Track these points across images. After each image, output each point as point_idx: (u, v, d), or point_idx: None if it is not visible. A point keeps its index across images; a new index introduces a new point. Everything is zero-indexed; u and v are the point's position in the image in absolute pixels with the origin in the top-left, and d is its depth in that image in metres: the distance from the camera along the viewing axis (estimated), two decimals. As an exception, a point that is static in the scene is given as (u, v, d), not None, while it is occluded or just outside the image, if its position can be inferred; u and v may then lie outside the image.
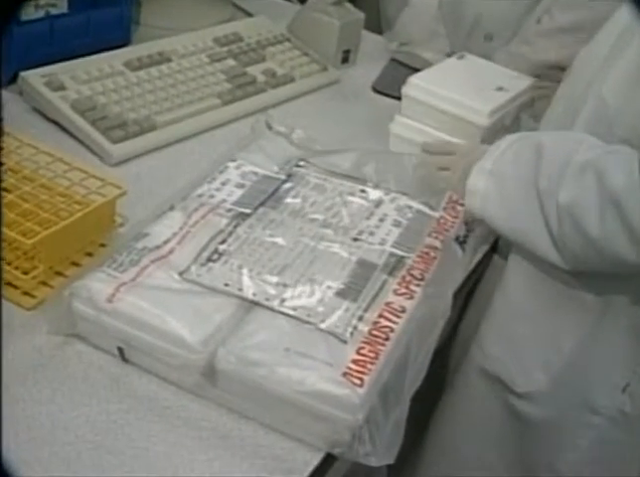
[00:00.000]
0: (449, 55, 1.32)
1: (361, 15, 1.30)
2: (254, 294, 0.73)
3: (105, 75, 1.05)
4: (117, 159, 0.96)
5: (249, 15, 1.38)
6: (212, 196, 0.85)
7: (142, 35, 1.20)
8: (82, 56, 1.09)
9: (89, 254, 0.81)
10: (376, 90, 1.27)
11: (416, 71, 1.21)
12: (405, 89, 1.09)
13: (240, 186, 0.87)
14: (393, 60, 1.36)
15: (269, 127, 1.00)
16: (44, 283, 0.77)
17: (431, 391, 1.11)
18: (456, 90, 1.08)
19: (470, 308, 1.09)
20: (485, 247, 0.96)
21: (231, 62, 1.17)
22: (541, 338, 0.94)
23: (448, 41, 1.47)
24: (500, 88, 1.10)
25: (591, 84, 0.89)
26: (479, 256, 0.94)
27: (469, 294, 1.05)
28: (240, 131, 1.04)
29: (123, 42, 1.16)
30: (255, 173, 0.90)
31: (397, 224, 0.86)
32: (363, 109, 1.20)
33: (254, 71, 1.17)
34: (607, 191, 0.76)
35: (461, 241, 0.88)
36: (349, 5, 1.29)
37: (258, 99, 1.13)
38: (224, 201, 0.84)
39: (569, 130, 0.90)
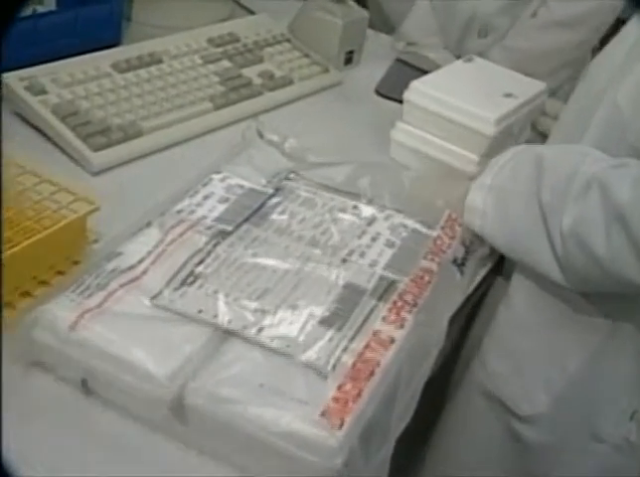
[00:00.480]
0: (458, 56, 1.27)
1: (365, 14, 1.24)
2: (230, 321, 0.68)
3: (90, 77, 1.00)
4: (98, 168, 0.90)
5: (251, 12, 1.33)
6: (192, 211, 0.80)
7: (134, 34, 1.15)
8: (70, 56, 1.03)
9: (61, 273, 0.76)
10: (379, 93, 1.21)
11: (423, 72, 1.16)
12: (407, 95, 1.03)
13: (224, 200, 0.82)
14: (398, 60, 1.30)
15: (261, 135, 0.94)
16: (9, 305, 0.72)
17: (432, 403, 1.07)
18: (461, 96, 1.01)
19: (474, 324, 1.03)
20: (485, 270, 0.89)
21: (225, 63, 1.11)
22: (544, 356, 0.90)
23: (443, 38, 1.42)
24: (509, 95, 1.04)
25: (606, 91, 0.84)
26: (479, 279, 0.88)
27: (473, 310, 0.99)
28: (232, 138, 0.98)
29: (113, 41, 1.11)
30: (241, 186, 0.84)
31: (390, 244, 0.80)
32: (365, 113, 1.14)
33: (251, 72, 1.11)
34: (612, 207, 0.71)
35: (460, 264, 0.83)
36: (352, 3, 1.22)
37: (254, 103, 1.07)
38: (204, 217, 0.79)
39: (582, 136, 0.85)
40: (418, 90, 1.02)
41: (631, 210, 0.70)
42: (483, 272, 0.88)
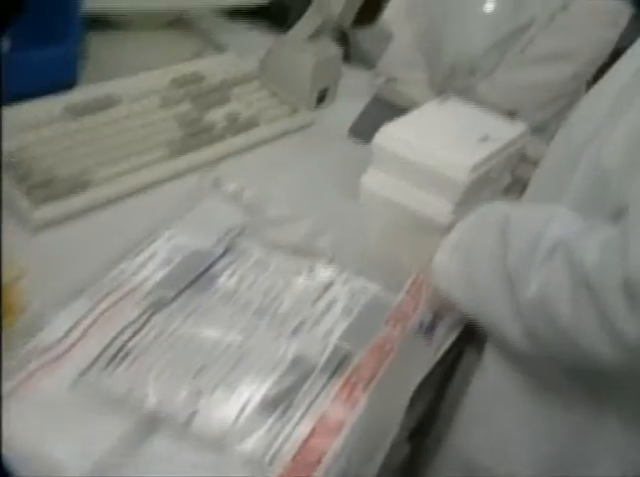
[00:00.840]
0: (439, 93, 1.21)
1: (338, 51, 1.18)
2: (160, 405, 0.61)
3: (41, 122, 0.94)
4: (40, 223, 0.84)
5: (222, 49, 1.27)
6: (132, 275, 0.73)
7: (93, 74, 1.08)
8: (23, 100, 0.97)
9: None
10: (353, 135, 1.14)
11: (401, 110, 1.09)
12: (377, 140, 0.97)
13: (167, 263, 0.75)
14: (376, 98, 1.24)
15: (217, 186, 0.88)
16: None
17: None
18: (434, 141, 0.95)
19: (450, 387, 0.97)
20: (455, 335, 0.82)
21: (187, 105, 1.05)
22: (523, 428, 0.84)
23: (429, 78, 1.37)
24: (486, 138, 0.97)
25: (589, 143, 0.77)
26: (448, 345, 0.80)
27: (448, 374, 0.92)
28: (188, 188, 0.92)
29: (69, 83, 1.05)
30: (187, 247, 0.78)
31: (347, 311, 0.73)
32: (337, 157, 1.07)
33: (214, 115, 1.05)
34: (578, 273, 0.65)
35: (426, 329, 0.76)
36: (326, 40, 1.16)
37: (215, 149, 1.00)
38: (144, 282, 0.72)
39: (562, 190, 0.79)
40: (389, 135, 0.96)
41: (598, 276, 0.64)
42: (453, 337, 0.81)
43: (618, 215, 0.71)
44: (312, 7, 1.12)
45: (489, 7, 1.35)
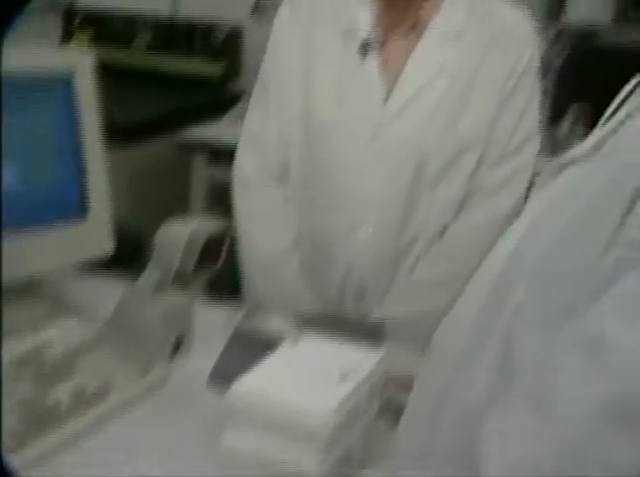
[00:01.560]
0: (310, 322, 1.17)
1: (187, 297, 1.14)
2: None
3: None
4: None
5: (72, 310, 1.21)
6: None
7: None
8: None
9: None
10: (213, 384, 1.08)
11: (265, 348, 1.04)
12: (232, 394, 0.92)
13: None
14: (235, 337, 1.19)
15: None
16: None
17: None
18: (292, 388, 0.91)
19: None
20: None
21: (27, 386, 0.97)
22: None
23: (317, 303, 1.36)
24: (345, 374, 0.93)
25: (462, 370, 0.71)
26: None
27: None
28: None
29: None
30: None
31: None
32: (196, 416, 0.99)
33: (58, 392, 0.97)
34: None
35: None
36: (173, 289, 1.12)
37: (58, 435, 0.91)
38: None
39: (437, 424, 0.73)
40: (244, 388, 0.92)
41: None
42: None
43: None
44: (151, 260, 1.09)
45: (370, 231, 1.35)
